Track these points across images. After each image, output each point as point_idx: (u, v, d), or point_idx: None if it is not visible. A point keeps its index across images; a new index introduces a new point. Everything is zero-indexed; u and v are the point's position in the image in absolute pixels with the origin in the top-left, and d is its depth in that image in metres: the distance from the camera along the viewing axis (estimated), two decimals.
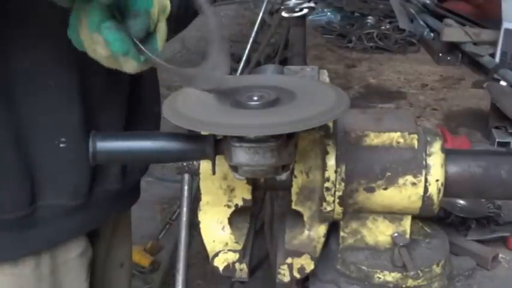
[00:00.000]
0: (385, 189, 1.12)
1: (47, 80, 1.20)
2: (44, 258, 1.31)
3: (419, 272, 1.14)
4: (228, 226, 1.16)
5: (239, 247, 1.15)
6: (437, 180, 1.12)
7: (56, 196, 1.27)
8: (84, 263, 1.39)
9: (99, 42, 0.99)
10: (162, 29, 1.05)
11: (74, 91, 1.23)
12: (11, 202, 1.22)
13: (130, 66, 1.03)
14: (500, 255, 1.29)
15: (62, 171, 1.26)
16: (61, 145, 1.24)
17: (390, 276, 1.14)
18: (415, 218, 1.19)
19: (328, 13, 3.20)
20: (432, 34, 2.91)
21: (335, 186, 1.11)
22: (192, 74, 1.01)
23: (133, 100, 1.37)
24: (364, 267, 1.15)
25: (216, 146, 1.00)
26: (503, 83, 2.24)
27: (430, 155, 1.12)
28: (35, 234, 1.27)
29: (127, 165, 1.39)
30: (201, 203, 1.16)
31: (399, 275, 1.13)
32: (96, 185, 1.32)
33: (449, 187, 1.14)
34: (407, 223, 1.17)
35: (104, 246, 1.51)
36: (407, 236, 1.17)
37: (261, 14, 4.26)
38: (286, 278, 1.15)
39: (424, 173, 1.11)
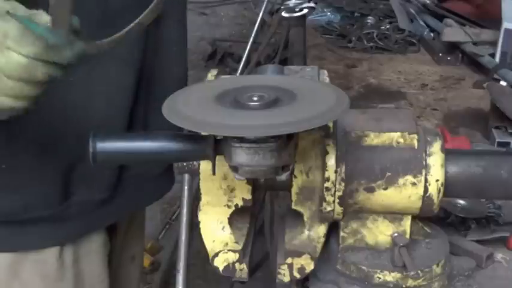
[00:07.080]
0: (385, 189, 1.12)
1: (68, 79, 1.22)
2: (67, 248, 1.34)
3: (419, 272, 1.14)
4: (228, 226, 1.16)
5: (239, 247, 1.15)
6: (437, 180, 1.12)
7: (88, 192, 1.30)
8: (104, 253, 1.43)
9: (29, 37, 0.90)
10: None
11: (96, 87, 1.25)
12: (43, 201, 1.25)
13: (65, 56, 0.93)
14: (500, 255, 1.29)
15: (97, 167, 1.28)
16: None
17: (390, 276, 1.14)
18: (415, 218, 1.19)
19: (328, 13, 3.20)
20: (432, 34, 2.91)
21: (335, 186, 1.11)
22: None
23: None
24: (364, 267, 1.15)
25: (216, 146, 1.00)
26: (503, 83, 2.23)
27: (430, 155, 1.12)
28: (61, 228, 1.31)
29: None
30: (201, 203, 1.16)
31: (399, 275, 1.14)
32: (124, 171, 1.34)
33: (449, 187, 1.14)
34: (407, 223, 1.17)
35: (119, 239, 1.53)
36: (407, 236, 1.17)
37: (261, 14, 4.27)
38: (286, 278, 1.15)
39: (424, 173, 1.11)
